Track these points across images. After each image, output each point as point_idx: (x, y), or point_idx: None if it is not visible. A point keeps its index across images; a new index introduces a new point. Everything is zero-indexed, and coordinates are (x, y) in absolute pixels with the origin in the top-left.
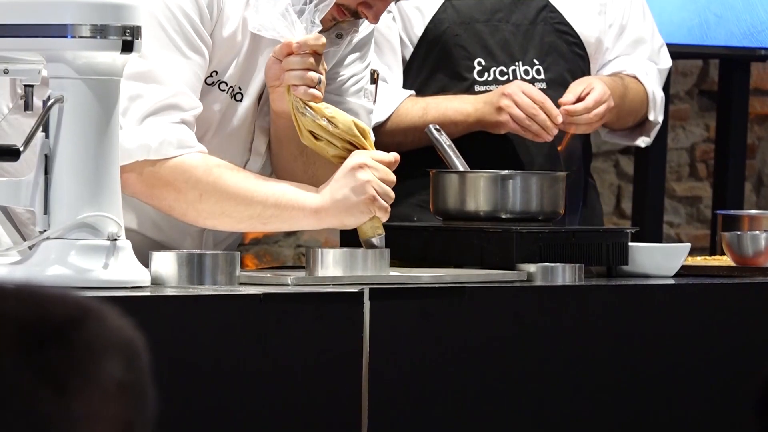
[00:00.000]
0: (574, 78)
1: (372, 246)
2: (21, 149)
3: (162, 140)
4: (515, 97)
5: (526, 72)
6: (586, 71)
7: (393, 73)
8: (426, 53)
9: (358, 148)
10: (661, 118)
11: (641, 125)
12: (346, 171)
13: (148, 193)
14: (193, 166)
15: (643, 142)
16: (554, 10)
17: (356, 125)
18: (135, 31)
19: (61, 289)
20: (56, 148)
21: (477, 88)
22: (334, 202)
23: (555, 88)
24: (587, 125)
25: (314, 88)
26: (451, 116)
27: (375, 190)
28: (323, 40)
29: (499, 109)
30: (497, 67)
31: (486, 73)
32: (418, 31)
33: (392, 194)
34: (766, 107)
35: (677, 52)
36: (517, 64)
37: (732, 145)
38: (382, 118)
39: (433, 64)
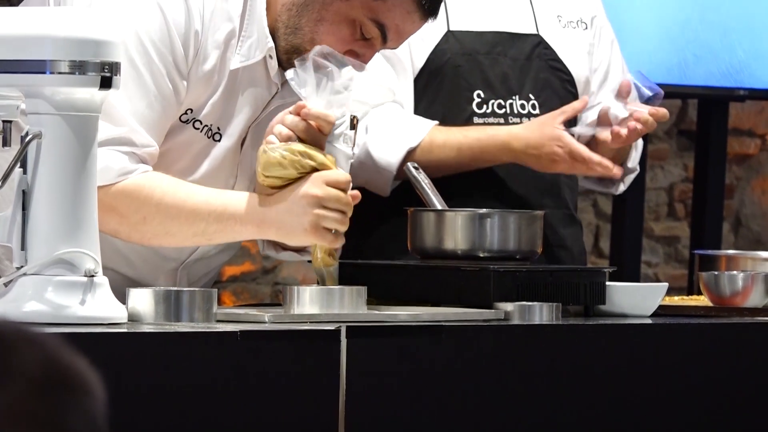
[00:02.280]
0: None
1: (321, 275)
2: None
3: (104, 167)
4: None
5: (522, 106)
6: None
7: (406, 95)
8: (426, 83)
9: (315, 169)
10: (638, 166)
11: None
12: (297, 197)
13: None
14: (136, 190)
15: (616, 189)
16: (548, 47)
17: (316, 159)
18: (114, 68)
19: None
20: (34, 184)
21: (476, 120)
22: (279, 223)
23: None
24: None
25: (280, 140)
26: (487, 159)
27: (320, 224)
28: (333, 120)
29: (555, 164)
30: (496, 99)
31: (485, 106)
32: (419, 61)
33: (346, 221)
34: (745, 147)
35: None
36: (514, 98)
37: (710, 185)
38: (413, 144)
39: (433, 94)
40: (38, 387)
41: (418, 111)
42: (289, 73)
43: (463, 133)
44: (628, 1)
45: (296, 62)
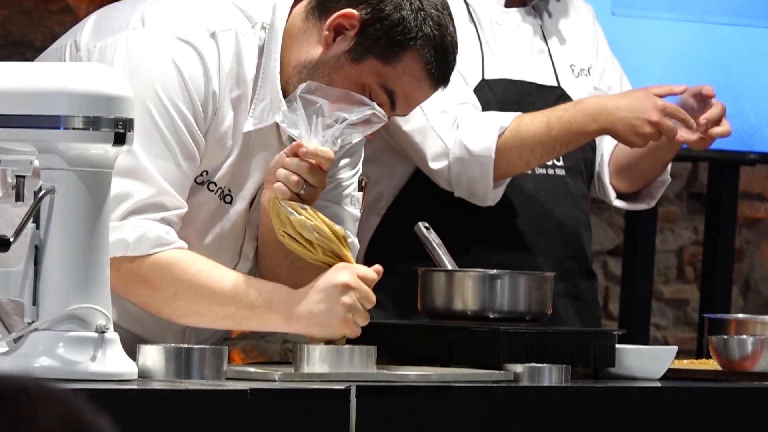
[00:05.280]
0: (587, 166)
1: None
2: (11, 240)
3: (139, 237)
4: (661, 126)
5: None
6: (593, 160)
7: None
8: None
9: (337, 254)
10: (668, 176)
11: (648, 186)
12: (330, 287)
13: (124, 288)
14: (170, 264)
15: (648, 204)
16: (569, 100)
17: (333, 231)
18: (127, 124)
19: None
20: (47, 239)
21: None
22: (309, 314)
23: (572, 175)
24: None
25: (292, 192)
26: (576, 130)
27: (350, 314)
28: (331, 156)
29: (641, 135)
30: None
31: None
32: None
33: (368, 316)
34: (755, 211)
35: None
36: None
37: (720, 249)
38: (504, 124)
39: None
40: None
41: None
42: (278, 117)
43: (549, 109)
44: (639, 66)
45: (284, 103)
